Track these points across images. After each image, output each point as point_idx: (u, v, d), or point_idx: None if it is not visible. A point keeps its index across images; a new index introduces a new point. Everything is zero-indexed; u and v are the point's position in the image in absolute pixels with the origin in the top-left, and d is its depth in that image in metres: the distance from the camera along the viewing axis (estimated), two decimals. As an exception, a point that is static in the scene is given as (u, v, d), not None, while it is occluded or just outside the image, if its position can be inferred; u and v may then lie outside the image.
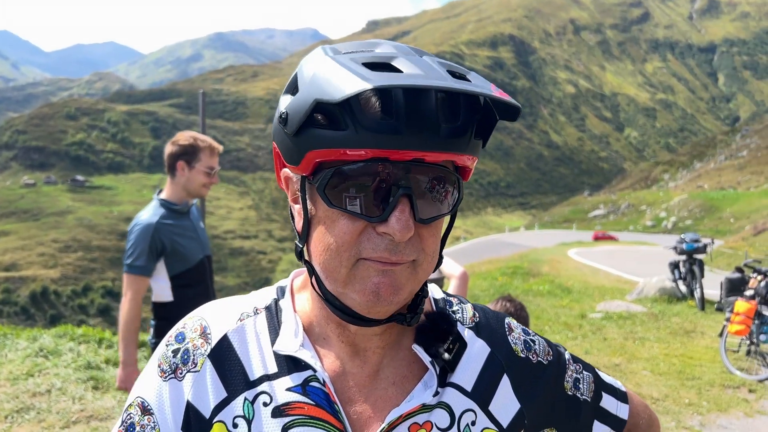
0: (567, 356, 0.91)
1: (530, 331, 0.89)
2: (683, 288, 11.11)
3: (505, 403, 0.80)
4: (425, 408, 0.75)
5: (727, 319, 6.44)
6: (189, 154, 2.80)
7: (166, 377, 0.76)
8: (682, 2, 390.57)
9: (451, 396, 0.77)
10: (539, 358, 0.86)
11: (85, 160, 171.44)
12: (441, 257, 0.76)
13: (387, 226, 0.65)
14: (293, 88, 0.68)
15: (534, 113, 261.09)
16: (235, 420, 0.73)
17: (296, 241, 0.76)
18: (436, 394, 0.75)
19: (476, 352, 0.81)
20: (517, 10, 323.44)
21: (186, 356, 0.76)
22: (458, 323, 0.83)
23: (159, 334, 2.85)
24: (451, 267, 2.87)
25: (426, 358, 0.76)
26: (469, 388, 0.78)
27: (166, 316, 2.81)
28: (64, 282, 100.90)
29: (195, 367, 0.75)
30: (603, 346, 7.08)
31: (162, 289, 2.82)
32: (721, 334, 6.58)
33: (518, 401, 0.81)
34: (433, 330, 0.78)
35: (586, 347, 6.95)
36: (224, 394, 0.74)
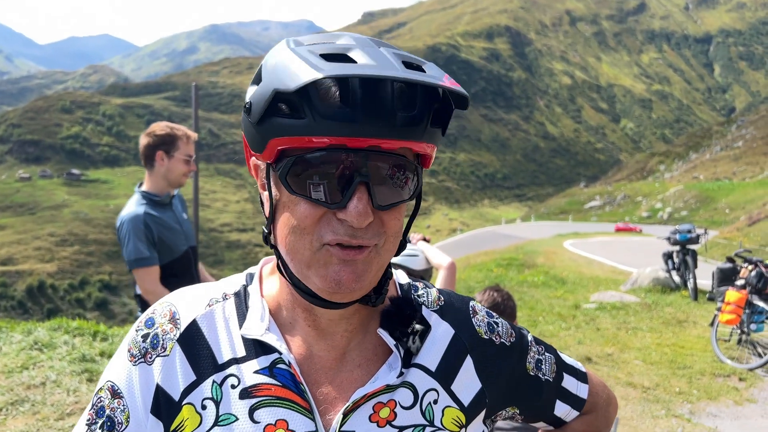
0: (529, 338, 0.94)
1: (494, 314, 0.92)
2: (677, 278, 11.18)
3: (467, 383, 0.83)
4: (389, 388, 0.77)
5: (719, 309, 6.50)
6: (167, 143, 2.81)
7: (135, 361, 0.78)
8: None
9: (415, 376, 0.80)
10: (502, 340, 0.88)
11: (81, 153, 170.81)
12: (405, 242, 0.78)
13: (345, 212, 0.68)
14: (258, 79, 0.70)
15: (530, 105, 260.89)
16: (204, 402, 0.75)
17: (263, 226, 0.78)
18: (401, 374, 0.78)
19: (440, 334, 0.84)
20: (513, 2, 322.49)
21: (155, 341, 0.78)
22: (423, 306, 0.86)
23: None
24: (439, 257, 2.89)
25: (390, 342, 0.79)
26: (433, 369, 0.81)
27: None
28: (60, 276, 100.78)
29: (164, 351, 0.77)
30: (596, 336, 7.14)
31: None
32: (712, 324, 6.64)
33: (480, 381, 0.84)
34: (398, 314, 0.80)
35: (579, 337, 7.00)
36: (193, 377, 0.76)
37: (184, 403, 0.75)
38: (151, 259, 2.75)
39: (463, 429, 0.82)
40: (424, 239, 3.11)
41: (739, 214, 44.91)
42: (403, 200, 0.71)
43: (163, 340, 0.78)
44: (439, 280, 2.85)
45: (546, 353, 0.95)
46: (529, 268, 15.39)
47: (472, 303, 0.91)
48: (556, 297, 10.03)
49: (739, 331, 6.51)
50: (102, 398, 0.79)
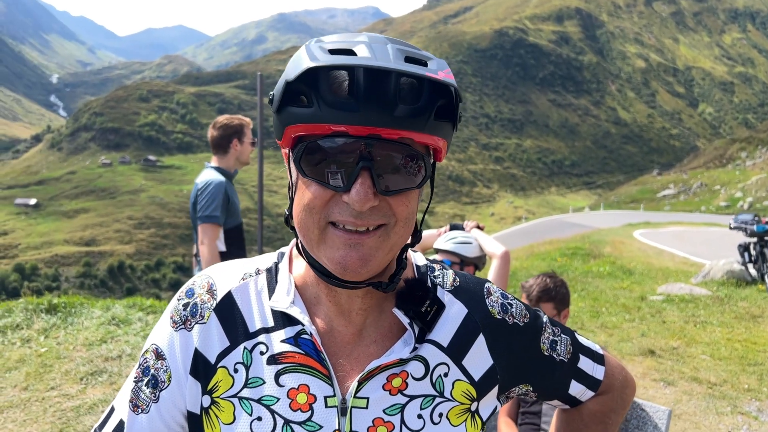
0: (545, 319, 0.98)
1: (509, 295, 0.96)
2: (753, 271, 10.64)
3: (479, 359, 0.88)
4: (402, 362, 0.83)
5: (796, 304, 6.17)
6: (239, 132, 3.51)
7: (177, 327, 0.86)
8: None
9: (427, 350, 0.85)
10: (515, 320, 0.93)
11: (157, 140, 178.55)
12: (419, 234, 0.86)
13: (349, 196, 0.73)
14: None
15: (601, 89, 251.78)
16: (236, 366, 0.83)
17: (286, 209, 0.85)
18: (414, 350, 0.84)
19: (454, 312, 0.89)
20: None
21: (195, 309, 0.86)
22: (438, 287, 0.91)
23: None
24: (492, 246, 2.89)
25: (405, 320, 0.84)
26: (445, 344, 0.87)
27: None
28: (138, 257, 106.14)
29: (202, 319, 0.85)
30: (661, 329, 6.92)
31: (219, 240, 3.41)
32: (788, 320, 6.31)
33: (492, 358, 0.89)
34: (411, 294, 0.86)
35: (644, 329, 6.81)
36: (227, 343, 0.84)
37: (219, 366, 0.83)
38: (220, 219, 3.36)
39: (475, 402, 0.87)
40: (478, 227, 3.11)
41: (829, 204, 41.92)
42: (409, 188, 0.76)
43: (201, 309, 0.86)
44: (492, 269, 2.86)
45: (562, 335, 0.98)
46: (595, 258, 14.99)
47: (487, 285, 0.96)
48: (622, 288, 9.76)
49: (818, 328, 6.17)
50: (147, 359, 0.87)
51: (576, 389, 0.99)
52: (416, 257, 0.96)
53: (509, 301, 0.95)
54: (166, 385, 0.85)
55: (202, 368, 0.84)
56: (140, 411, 0.86)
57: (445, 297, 0.90)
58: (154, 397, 0.85)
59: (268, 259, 0.93)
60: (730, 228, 10.70)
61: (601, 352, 1.04)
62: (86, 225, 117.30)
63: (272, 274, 0.89)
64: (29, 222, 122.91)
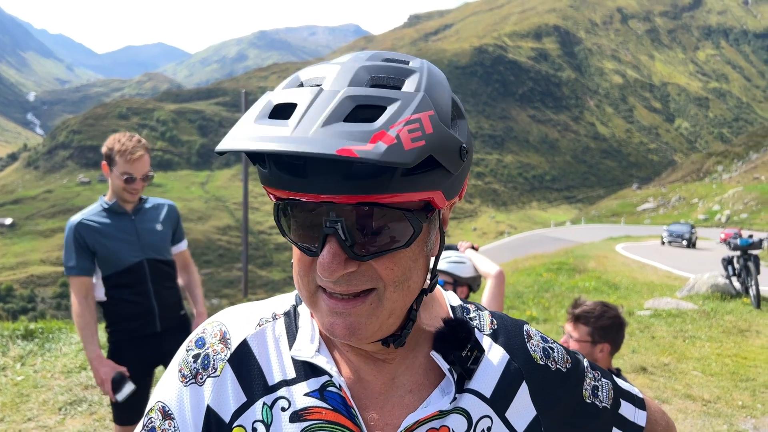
0: (585, 364, 0.92)
1: (549, 339, 0.90)
2: (737, 285, 10.70)
3: (522, 409, 0.81)
4: (441, 414, 0.75)
5: (784, 319, 6.19)
6: (108, 157, 2.77)
7: (186, 382, 0.77)
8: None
9: (468, 402, 0.77)
10: (558, 366, 0.86)
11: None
12: (435, 279, 0.77)
13: (318, 264, 0.66)
14: None
15: (580, 105, 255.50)
16: (255, 424, 0.74)
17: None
18: (454, 400, 0.76)
19: (495, 358, 0.82)
20: (561, 0, 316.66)
21: (206, 361, 0.78)
22: (476, 330, 0.84)
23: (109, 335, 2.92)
24: (486, 266, 2.82)
25: (444, 365, 0.77)
26: (487, 395, 0.79)
27: (100, 315, 2.85)
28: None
29: (215, 372, 0.77)
30: (651, 345, 6.89)
31: (96, 288, 2.80)
32: (777, 334, 6.32)
33: (535, 408, 0.82)
34: (452, 337, 0.78)
35: (634, 346, 6.77)
36: (244, 399, 0.75)
37: (234, 425, 0.75)
38: (77, 268, 2.71)
39: None
40: (473, 247, 3.06)
41: (804, 216, 42.71)
42: (390, 249, 0.66)
43: (213, 361, 0.78)
44: (487, 290, 2.79)
45: (603, 379, 0.93)
46: (580, 272, 15.03)
47: (526, 327, 0.89)
48: (609, 303, 9.75)
49: (807, 343, 6.19)
50: (153, 419, 0.78)
51: None
52: (449, 297, 0.88)
53: (550, 344, 0.89)
54: None
55: (215, 428, 0.75)
56: None
57: (484, 341, 0.83)
58: None
59: (284, 301, 0.85)
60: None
61: (641, 396, 0.99)
62: (63, 245, 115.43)
63: (291, 319, 0.81)
64: (4, 242, 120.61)
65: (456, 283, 2.86)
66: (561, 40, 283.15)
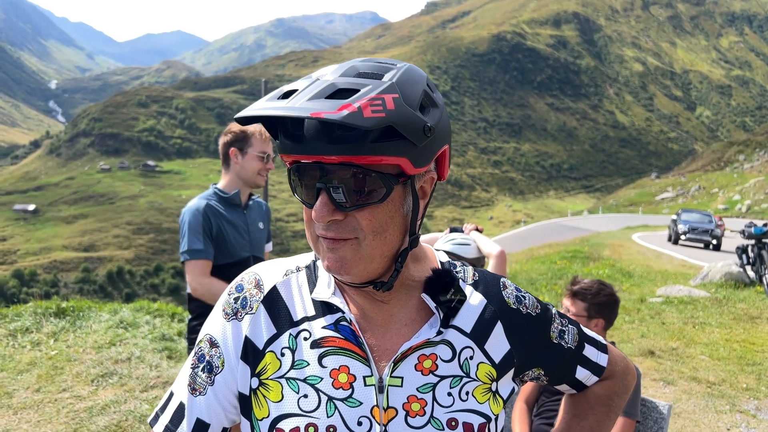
0: (554, 311, 1.10)
1: (522, 290, 1.08)
2: (751, 273, 10.73)
3: (498, 343, 1.00)
4: (430, 343, 0.95)
5: (793, 305, 6.25)
6: (241, 140, 2.70)
7: (229, 319, 0.98)
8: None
9: (452, 335, 0.97)
10: (528, 311, 1.05)
11: (155, 146, 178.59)
12: (416, 238, 0.96)
13: (312, 212, 0.88)
14: None
15: (599, 93, 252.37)
16: (282, 350, 0.94)
17: None
18: (439, 333, 0.95)
19: (475, 302, 1.01)
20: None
21: (244, 302, 0.99)
22: (460, 281, 1.03)
23: (193, 327, 2.72)
24: (489, 246, 3.02)
25: (432, 304, 0.96)
26: (468, 330, 0.98)
27: (202, 311, 2.62)
28: (137, 262, 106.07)
29: (252, 310, 0.98)
30: (660, 330, 7.01)
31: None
32: (786, 320, 6.39)
33: (509, 343, 1.01)
34: (438, 282, 0.98)
35: (643, 330, 6.89)
36: (274, 331, 0.96)
37: (267, 350, 0.95)
38: (204, 252, 2.57)
39: (495, 383, 0.99)
40: (477, 229, 3.26)
41: (826, 207, 42.06)
42: (366, 204, 0.86)
43: (250, 302, 0.98)
44: (489, 268, 2.97)
45: (569, 325, 1.10)
46: (595, 261, 15.09)
47: (503, 279, 1.08)
48: (621, 290, 9.84)
49: (815, 329, 6.25)
50: (202, 348, 0.99)
51: (582, 374, 1.11)
52: (440, 255, 1.07)
53: (522, 294, 1.07)
54: (219, 370, 0.96)
55: (251, 354, 0.95)
56: (198, 393, 0.97)
57: (466, 289, 1.02)
58: (210, 380, 0.96)
59: (306, 258, 1.06)
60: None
61: (604, 342, 1.15)
62: (85, 230, 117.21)
63: (311, 271, 1.02)
64: (28, 228, 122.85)
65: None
66: (580, 28, 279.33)
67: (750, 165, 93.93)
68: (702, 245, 22.09)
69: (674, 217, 24.44)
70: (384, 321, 0.97)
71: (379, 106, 0.80)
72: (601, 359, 1.13)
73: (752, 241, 10.63)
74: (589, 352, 1.11)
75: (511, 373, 1.01)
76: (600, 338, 1.15)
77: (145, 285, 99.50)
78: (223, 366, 0.96)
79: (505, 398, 1.00)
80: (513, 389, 1.03)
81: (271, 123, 0.88)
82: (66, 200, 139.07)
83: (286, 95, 0.83)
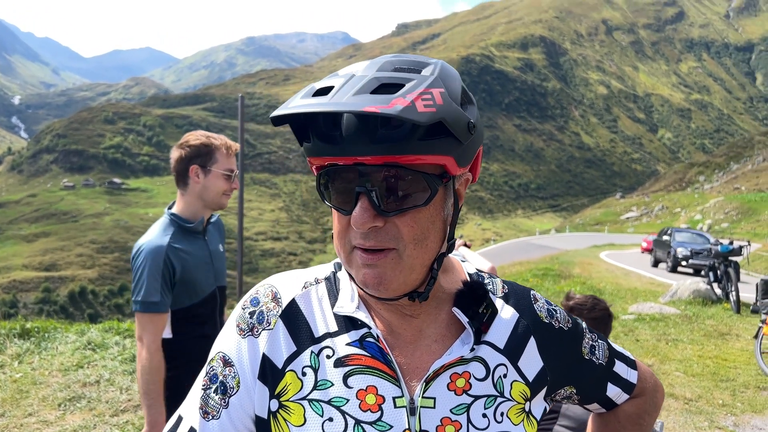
0: (584, 326, 1.04)
1: (552, 303, 1.02)
2: (718, 291, 10.96)
3: (531, 360, 0.93)
4: (463, 360, 0.88)
5: (763, 321, 6.39)
6: (203, 156, 2.30)
7: (244, 335, 0.90)
8: (718, 1, 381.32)
9: (485, 352, 0.90)
10: (560, 325, 0.99)
11: (122, 163, 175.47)
12: (453, 243, 0.90)
13: (351, 218, 0.81)
14: None
15: (565, 115, 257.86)
16: (304, 369, 0.86)
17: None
18: (473, 349, 0.88)
19: (507, 316, 0.94)
20: (548, 11, 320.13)
21: (261, 317, 0.90)
22: (490, 293, 0.95)
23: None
24: (480, 262, 2.98)
25: (464, 319, 0.89)
26: (501, 346, 0.91)
27: (170, 359, 2.27)
28: (101, 282, 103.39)
29: (269, 325, 0.90)
30: (635, 347, 7.07)
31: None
32: (756, 336, 6.52)
33: (542, 360, 0.94)
34: (471, 295, 0.91)
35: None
36: (294, 348, 0.88)
37: (287, 370, 0.87)
38: (160, 305, 2.22)
39: (528, 402, 0.92)
40: (465, 245, 3.22)
41: (783, 226, 43.46)
42: (409, 207, 0.80)
43: (267, 316, 0.90)
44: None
45: (599, 341, 1.04)
46: (566, 278, 15.25)
47: (533, 292, 1.02)
48: (594, 308, 9.93)
49: (784, 345, 6.37)
50: (214, 367, 0.91)
51: (613, 392, 1.05)
52: (466, 266, 1.01)
53: (554, 307, 1.01)
54: (235, 391, 0.88)
55: (270, 373, 0.87)
56: (211, 417, 0.89)
57: (497, 302, 0.96)
58: (224, 403, 0.88)
59: (325, 269, 0.98)
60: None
61: (632, 357, 1.09)
62: (46, 249, 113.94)
63: (332, 283, 0.94)
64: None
65: None
66: (547, 51, 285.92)
67: (710, 185, 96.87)
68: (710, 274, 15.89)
69: (664, 237, 21.30)
70: (413, 337, 0.90)
71: (430, 100, 0.75)
72: (631, 376, 1.07)
73: (719, 259, 10.89)
74: (620, 368, 1.06)
75: (544, 391, 0.95)
76: (627, 353, 1.10)
77: (109, 305, 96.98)
78: (238, 387, 0.89)
79: (538, 419, 0.95)
80: (545, 409, 0.97)
81: (300, 124, 0.82)
82: (27, 218, 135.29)
83: (322, 92, 0.78)
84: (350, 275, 0.89)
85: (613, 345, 1.08)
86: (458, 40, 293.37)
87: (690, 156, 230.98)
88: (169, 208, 2.39)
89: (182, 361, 2.26)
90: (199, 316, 2.34)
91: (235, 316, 0.94)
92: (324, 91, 0.77)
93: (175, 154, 2.34)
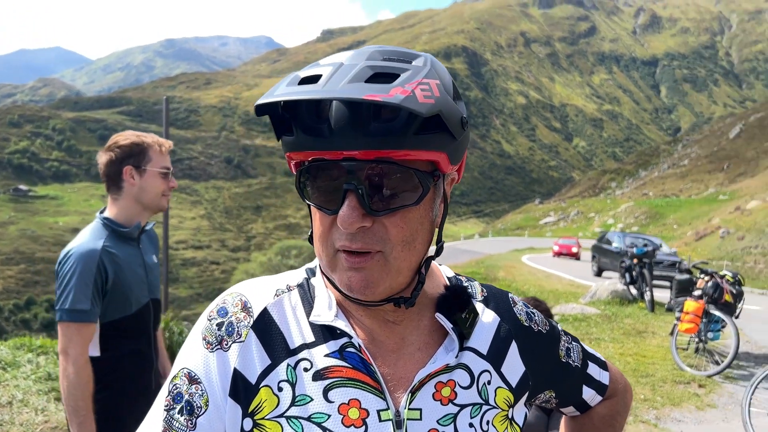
0: (559, 328, 1.02)
1: (529, 306, 1.00)
2: (634, 291, 11.55)
3: (514, 365, 0.90)
4: (448, 368, 0.84)
5: (678, 319, 6.76)
6: (136, 155, 2.14)
7: (212, 348, 0.82)
8: (626, 17, 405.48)
9: (469, 358, 0.86)
10: (539, 328, 0.96)
11: (29, 169, 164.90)
12: (441, 245, 0.85)
13: (338, 218, 0.74)
14: None
15: (486, 123, 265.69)
16: (280, 384, 0.80)
17: (310, 229, 0.85)
18: (457, 356, 0.84)
19: (488, 321, 0.91)
20: (469, 23, 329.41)
21: (230, 328, 0.82)
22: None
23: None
24: None
25: (448, 325, 0.85)
26: (484, 352, 0.88)
27: (100, 378, 2.04)
28: (5, 296, 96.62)
29: (240, 338, 0.82)
30: (561, 347, 7.30)
31: (92, 342, 2.07)
32: (672, 333, 6.89)
33: (524, 365, 0.91)
34: (455, 300, 0.87)
35: (546, 348, 7.15)
36: (268, 362, 0.81)
37: (261, 385, 0.80)
38: (90, 314, 2.00)
39: (511, 409, 0.89)
40: None
41: (686, 229, 46.58)
42: (400, 206, 0.75)
43: (238, 328, 0.82)
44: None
45: (573, 342, 1.03)
46: (492, 281, 15.58)
47: (510, 294, 0.99)
48: (520, 310, 10.22)
49: (696, 340, 6.78)
50: (178, 385, 0.82)
51: (587, 394, 1.04)
52: (444, 270, 0.97)
53: (531, 310, 0.99)
54: (203, 410, 0.81)
55: (242, 389, 0.80)
56: None
57: (478, 306, 0.92)
58: (191, 424, 0.80)
59: (296, 275, 0.92)
60: (625, 253, 11.47)
61: (603, 359, 1.08)
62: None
63: (305, 290, 0.88)
64: None
65: None
66: (469, 61, 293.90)
67: (621, 191, 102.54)
68: (668, 284, 13.51)
69: (614, 245, 17.94)
70: (396, 345, 0.85)
71: (428, 91, 0.71)
72: (604, 377, 1.05)
73: (635, 261, 11.48)
74: (593, 370, 1.04)
75: (525, 397, 0.92)
76: (598, 354, 1.08)
77: (15, 320, 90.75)
78: (207, 406, 0.80)
79: (520, 425, 0.92)
80: (525, 415, 0.94)
81: (280, 116, 0.75)
82: None
83: (308, 81, 0.72)
84: (330, 281, 0.83)
85: (585, 346, 1.07)
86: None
87: (602, 163, 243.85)
88: (101, 212, 2.21)
89: (113, 380, 2.07)
90: (131, 331, 2.15)
91: (200, 329, 0.85)
92: (310, 80, 0.72)
93: (104, 157, 2.17)
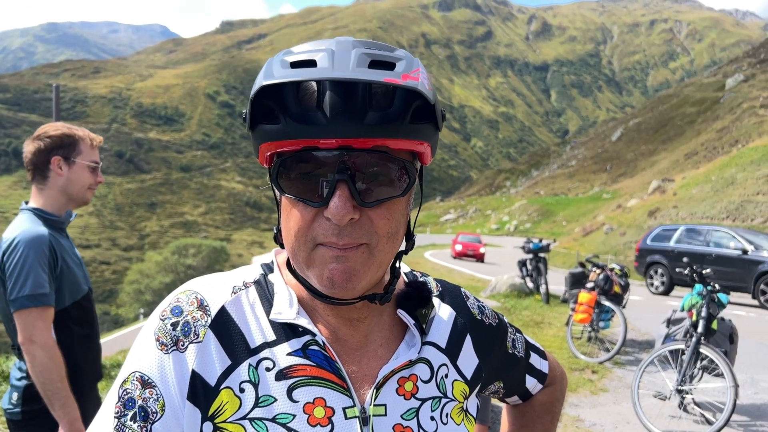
0: (506, 321, 1.04)
1: (479, 299, 1.02)
2: (530, 284, 12.13)
3: (469, 358, 0.91)
4: (410, 363, 0.84)
5: (572, 309, 7.16)
6: (66, 147, 2.14)
7: (167, 350, 0.77)
8: (520, 23, 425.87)
9: (430, 353, 0.87)
10: (490, 321, 0.98)
11: None
12: (412, 239, 0.85)
13: (328, 210, 0.71)
14: None
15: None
16: (242, 385, 0.76)
17: (275, 226, 0.84)
18: (420, 351, 0.85)
19: (445, 315, 0.92)
20: (372, 21, 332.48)
21: (187, 328, 0.78)
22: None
23: (30, 397, 2.04)
24: None
25: (410, 321, 0.85)
26: (443, 346, 0.89)
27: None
28: None
29: (197, 338, 0.77)
30: (466, 340, 7.52)
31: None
32: (567, 323, 7.29)
33: (477, 357, 0.93)
34: (417, 296, 0.87)
35: (451, 342, 7.33)
36: (229, 362, 0.77)
37: (222, 387, 0.76)
38: (50, 297, 1.99)
39: (466, 400, 0.90)
40: None
41: (574, 226, 49.67)
42: (390, 197, 0.73)
43: (195, 327, 0.78)
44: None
45: (517, 333, 1.05)
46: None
47: (462, 289, 1.00)
48: (425, 305, 10.42)
49: (589, 329, 7.22)
50: (129, 390, 0.77)
51: (530, 383, 1.06)
52: (402, 265, 0.94)
53: (481, 303, 1.00)
54: (158, 416, 0.75)
55: (201, 392, 0.76)
56: None
57: (434, 301, 0.93)
58: (146, 430, 0.75)
59: (251, 271, 0.88)
60: (522, 248, 12.12)
61: (542, 348, 1.11)
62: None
63: (263, 287, 0.84)
64: None
65: None
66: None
67: (515, 190, 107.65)
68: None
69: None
70: (360, 343, 0.84)
71: (426, 80, 0.71)
72: (544, 366, 1.08)
73: (530, 256, 12.05)
74: (534, 359, 1.07)
75: (478, 388, 0.94)
76: (537, 344, 1.11)
77: None
78: (163, 411, 0.75)
79: (474, 416, 0.93)
80: (477, 406, 0.95)
81: (261, 104, 0.71)
82: None
83: (300, 65, 0.70)
84: (300, 279, 0.81)
85: (527, 337, 1.09)
86: (285, 43, 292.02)
87: (498, 163, 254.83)
88: (26, 203, 2.18)
89: (67, 368, 2.04)
90: (79, 317, 2.17)
91: (151, 329, 0.79)
92: (304, 65, 0.70)
93: (31, 146, 2.15)
